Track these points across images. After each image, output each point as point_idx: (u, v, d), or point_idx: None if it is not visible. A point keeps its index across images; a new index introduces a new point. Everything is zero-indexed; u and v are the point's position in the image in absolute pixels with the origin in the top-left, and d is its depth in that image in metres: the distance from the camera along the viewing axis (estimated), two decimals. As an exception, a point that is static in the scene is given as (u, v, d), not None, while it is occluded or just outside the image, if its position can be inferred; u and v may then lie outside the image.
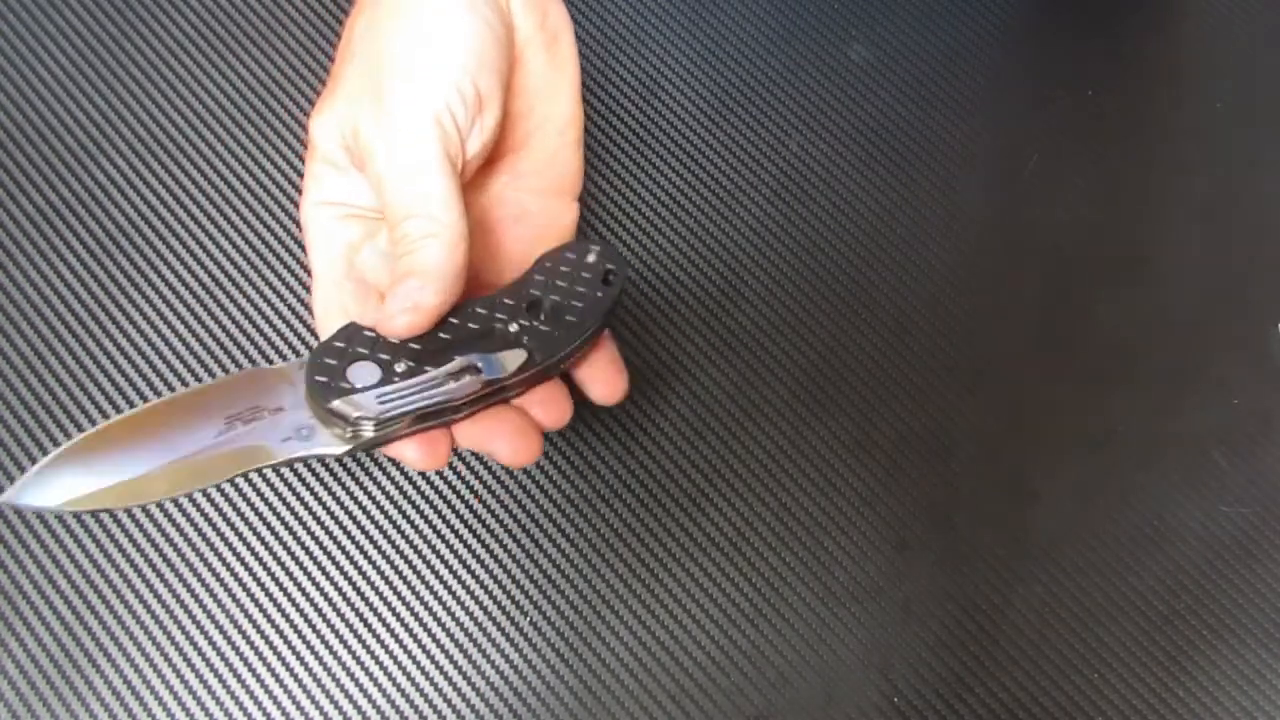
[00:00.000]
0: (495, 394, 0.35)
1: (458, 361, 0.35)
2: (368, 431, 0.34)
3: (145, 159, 0.48)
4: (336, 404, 0.33)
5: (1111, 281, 0.49)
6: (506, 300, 0.36)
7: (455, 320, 0.35)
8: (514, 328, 0.36)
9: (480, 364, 0.35)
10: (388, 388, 0.34)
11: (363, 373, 0.34)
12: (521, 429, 0.36)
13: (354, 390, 0.34)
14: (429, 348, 0.35)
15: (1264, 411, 0.47)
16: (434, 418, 0.35)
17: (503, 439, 0.36)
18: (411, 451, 0.35)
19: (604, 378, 0.38)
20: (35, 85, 0.49)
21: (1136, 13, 0.56)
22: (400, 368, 0.34)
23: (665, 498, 0.44)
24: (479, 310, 0.35)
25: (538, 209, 0.39)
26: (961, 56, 0.53)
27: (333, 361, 0.34)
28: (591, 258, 0.37)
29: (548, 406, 0.37)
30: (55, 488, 0.32)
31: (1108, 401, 0.47)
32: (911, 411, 0.46)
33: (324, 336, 0.35)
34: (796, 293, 0.48)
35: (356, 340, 0.34)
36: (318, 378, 0.34)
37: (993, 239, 0.50)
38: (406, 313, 0.33)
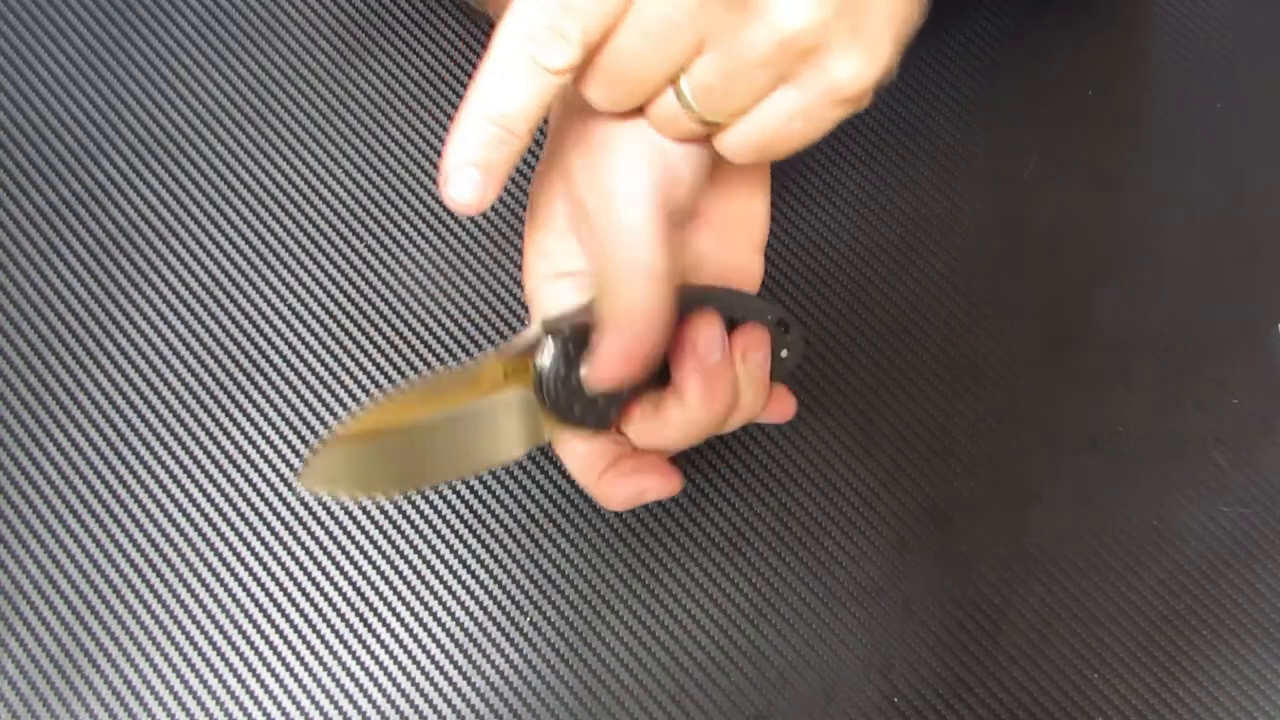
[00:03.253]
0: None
1: None
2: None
3: (145, 159, 0.48)
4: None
5: (1112, 282, 0.49)
6: None
7: None
8: None
9: None
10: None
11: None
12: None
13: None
14: None
15: (1264, 411, 0.47)
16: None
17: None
18: (651, 482, 0.35)
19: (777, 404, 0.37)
20: (35, 85, 0.49)
21: (1136, 13, 0.56)
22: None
23: (665, 498, 0.44)
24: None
25: (727, 260, 0.37)
26: (961, 56, 0.53)
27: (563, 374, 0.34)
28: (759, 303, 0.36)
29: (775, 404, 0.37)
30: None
31: (1108, 401, 0.47)
32: (911, 411, 0.46)
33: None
34: (797, 293, 0.48)
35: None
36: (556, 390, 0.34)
37: (993, 239, 0.50)
38: (613, 366, 0.32)
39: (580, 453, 0.35)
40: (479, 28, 0.52)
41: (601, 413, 0.34)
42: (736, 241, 0.37)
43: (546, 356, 0.33)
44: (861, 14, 0.30)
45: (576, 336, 0.33)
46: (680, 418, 0.35)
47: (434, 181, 0.49)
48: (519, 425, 0.34)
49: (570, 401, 0.34)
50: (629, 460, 0.35)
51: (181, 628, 0.41)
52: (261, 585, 0.42)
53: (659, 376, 0.34)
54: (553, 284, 0.35)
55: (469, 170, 0.30)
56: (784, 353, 0.37)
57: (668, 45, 0.29)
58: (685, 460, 0.45)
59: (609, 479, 0.35)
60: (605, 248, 0.32)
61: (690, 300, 0.34)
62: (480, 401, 0.34)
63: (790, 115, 0.31)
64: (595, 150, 0.32)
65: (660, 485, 0.35)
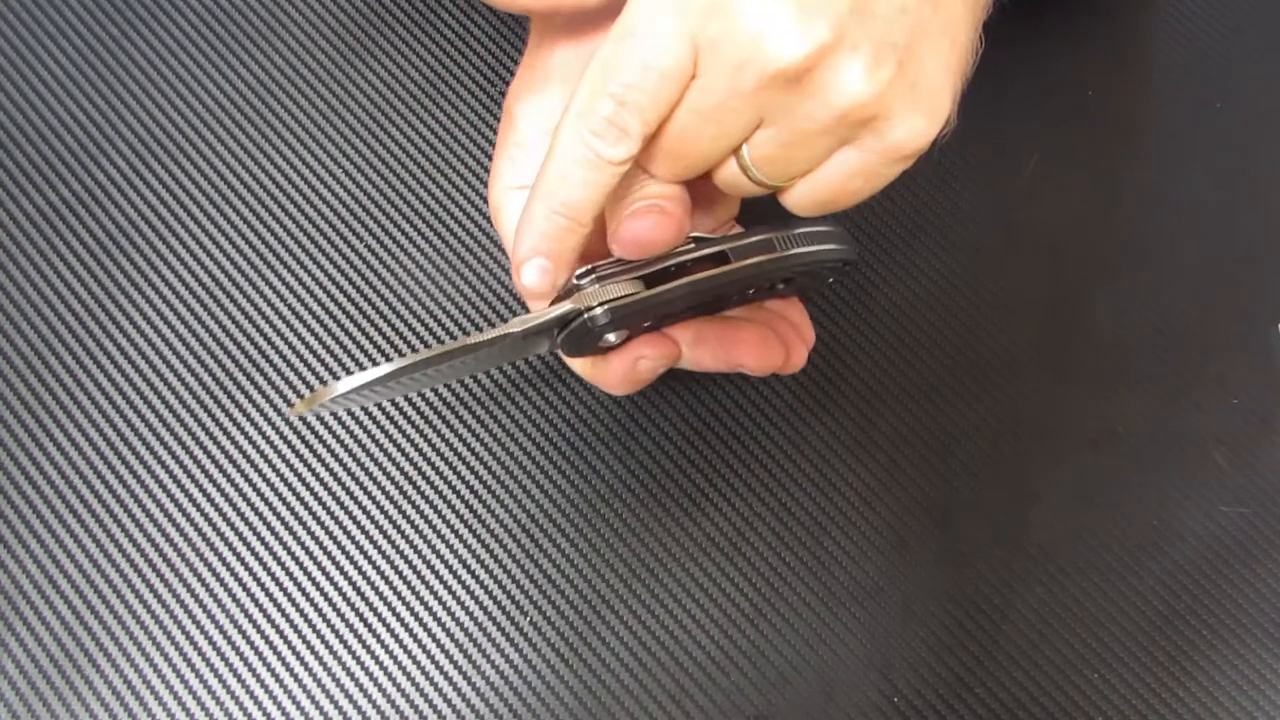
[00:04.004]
0: (723, 277, 0.34)
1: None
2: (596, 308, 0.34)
3: (145, 159, 0.48)
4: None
5: (1112, 282, 0.49)
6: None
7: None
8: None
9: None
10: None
11: (614, 335, 0.35)
12: (763, 337, 0.36)
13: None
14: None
15: (1264, 411, 0.47)
16: (662, 303, 0.34)
17: (745, 345, 0.36)
18: (647, 349, 0.36)
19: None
20: (35, 85, 0.49)
21: (1136, 13, 0.56)
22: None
23: (665, 498, 0.44)
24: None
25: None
26: (961, 56, 0.53)
27: (595, 323, 0.34)
28: (833, 246, 0.36)
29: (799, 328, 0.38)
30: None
31: (1108, 401, 0.47)
32: (911, 411, 0.46)
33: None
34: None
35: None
36: (581, 342, 0.35)
37: (993, 239, 0.50)
38: (653, 214, 0.32)
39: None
40: (478, 27, 0.52)
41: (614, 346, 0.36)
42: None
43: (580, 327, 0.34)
44: (919, 71, 0.30)
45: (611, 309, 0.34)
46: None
47: (434, 181, 0.49)
48: (523, 350, 0.36)
49: (588, 351, 0.36)
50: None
51: (181, 628, 0.41)
52: (261, 585, 0.42)
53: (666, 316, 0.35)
54: (519, 194, 0.36)
55: (539, 260, 0.32)
56: (830, 279, 0.38)
57: (725, 126, 0.30)
58: (685, 460, 0.45)
59: (601, 365, 0.36)
60: None
61: (770, 245, 0.35)
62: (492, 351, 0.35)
63: (850, 175, 0.32)
64: None
65: (656, 351, 0.36)
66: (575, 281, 0.34)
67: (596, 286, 0.33)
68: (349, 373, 0.45)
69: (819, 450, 0.45)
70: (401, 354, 0.46)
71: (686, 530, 0.44)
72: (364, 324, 0.46)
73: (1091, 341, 0.48)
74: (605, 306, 0.33)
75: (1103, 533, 0.45)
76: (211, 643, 0.41)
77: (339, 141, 0.49)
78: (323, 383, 0.45)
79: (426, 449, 0.44)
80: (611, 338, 0.35)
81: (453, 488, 0.44)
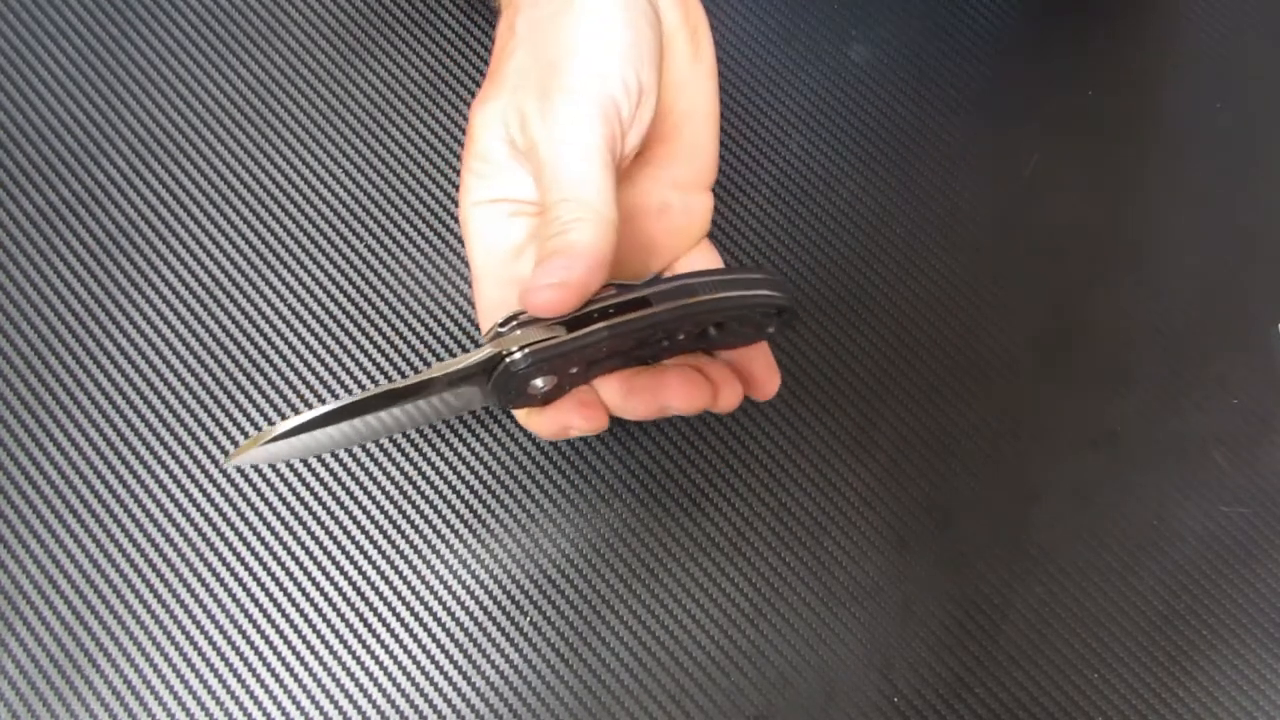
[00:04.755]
0: (642, 321, 0.35)
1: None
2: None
3: (145, 159, 0.48)
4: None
5: (1111, 282, 0.49)
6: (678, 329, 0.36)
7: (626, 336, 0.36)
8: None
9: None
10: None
11: (542, 381, 0.35)
12: (687, 378, 0.37)
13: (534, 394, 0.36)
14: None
15: (1264, 411, 0.47)
16: (580, 342, 0.35)
17: (670, 388, 0.37)
18: (576, 419, 0.37)
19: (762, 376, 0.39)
20: (35, 85, 0.49)
21: (1136, 13, 0.56)
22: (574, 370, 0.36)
23: (665, 498, 0.44)
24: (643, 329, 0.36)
25: (678, 202, 0.40)
26: (961, 56, 0.53)
27: (519, 369, 0.35)
28: (762, 293, 0.37)
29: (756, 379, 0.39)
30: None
31: (1107, 401, 0.47)
32: (911, 411, 0.46)
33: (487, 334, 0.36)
34: (797, 292, 0.48)
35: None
36: (503, 393, 0.35)
37: (993, 239, 0.50)
38: (552, 288, 0.33)
39: None
40: (478, 27, 0.52)
41: (546, 398, 0.37)
42: (685, 182, 0.40)
43: (503, 371, 0.35)
44: None
45: (529, 352, 0.34)
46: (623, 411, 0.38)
47: (434, 181, 0.49)
48: (458, 401, 0.37)
49: (518, 399, 0.36)
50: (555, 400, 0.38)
51: (181, 628, 0.41)
52: (261, 585, 0.42)
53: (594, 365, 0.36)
54: (486, 209, 0.37)
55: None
56: (771, 329, 0.38)
57: None
58: (685, 459, 0.45)
59: (535, 415, 0.38)
60: (556, 189, 0.34)
61: (692, 290, 0.35)
62: (423, 403, 0.36)
63: None
64: (552, 96, 0.34)
65: (584, 424, 0.37)
66: (498, 329, 0.35)
67: (518, 332, 0.34)
68: (348, 373, 0.45)
69: (819, 450, 0.45)
70: (401, 353, 0.46)
71: (686, 530, 0.44)
72: (364, 324, 0.46)
73: (1091, 341, 0.48)
74: (525, 350, 0.34)
75: (1103, 533, 0.45)
76: (211, 643, 0.41)
77: (339, 141, 0.49)
78: (322, 383, 0.45)
79: (426, 449, 0.44)
80: (539, 383, 0.35)
81: (453, 488, 0.44)
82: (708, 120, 0.39)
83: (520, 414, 0.38)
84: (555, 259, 0.33)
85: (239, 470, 0.43)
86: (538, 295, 0.33)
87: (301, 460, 0.44)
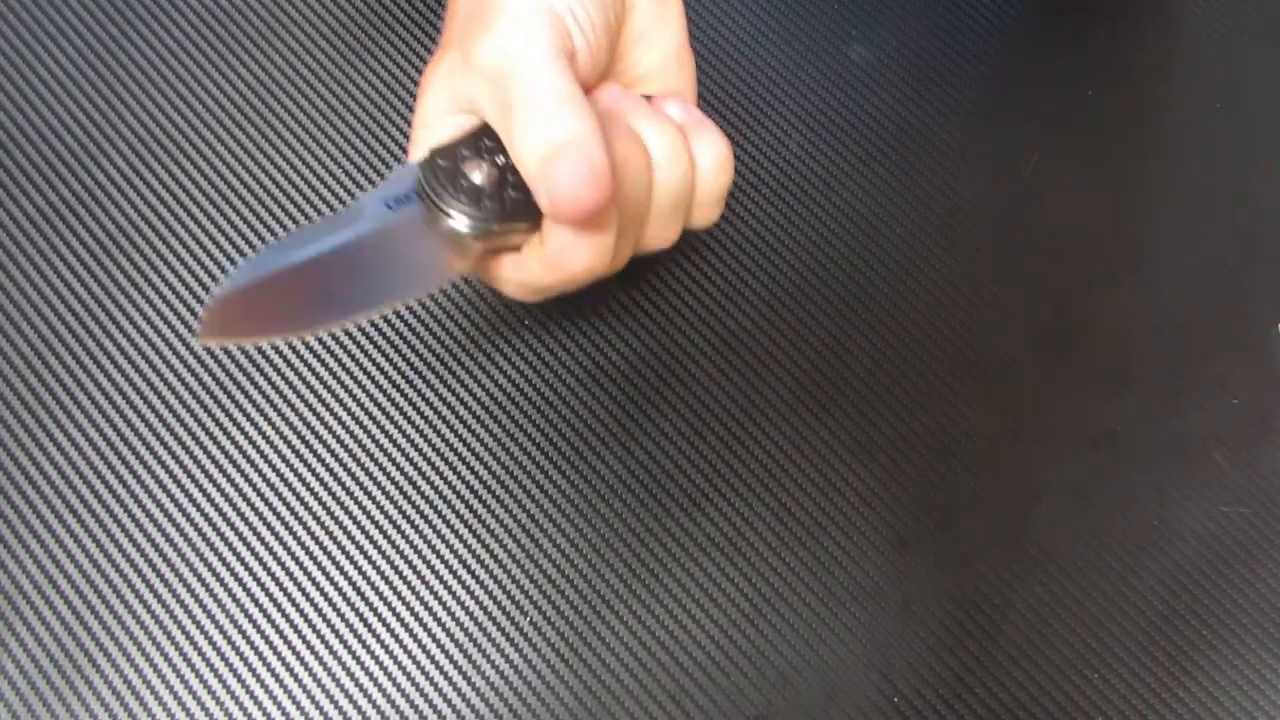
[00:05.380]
0: None
1: None
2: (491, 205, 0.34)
3: (145, 159, 0.48)
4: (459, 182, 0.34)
5: (1112, 282, 0.49)
6: None
7: None
8: None
9: None
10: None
11: (479, 174, 0.34)
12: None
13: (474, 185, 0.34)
14: None
15: (1264, 411, 0.47)
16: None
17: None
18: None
19: None
20: (35, 85, 0.49)
21: (1136, 13, 0.56)
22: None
23: (665, 498, 0.44)
24: None
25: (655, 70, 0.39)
26: (961, 56, 0.53)
27: (445, 163, 0.34)
28: None
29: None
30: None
31: (1107, 401, 0.47)
32: (911, 411, 0.46)
33: None
34: (796, 293, 0.48)
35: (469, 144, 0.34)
36: (437, 174, 0.34)
37: (993, 239, 0.50)
38: (580, 179, 0.31)
39: (511, 269, 0.36)
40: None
41: (491, 202, 0.34)
42: (655, 52, 0.39)
43: (431, 167, 0.34)
44: None
45: (465, 144, 0.33)
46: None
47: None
48: (423, 257, 0.34)
49: (455, 201, 0.34)
50: None
51: (181, 628, 0.41)
52: (261, 585, 0.42)
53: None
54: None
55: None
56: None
57: None
58: (685, 460, 0.45)
59: (516, 260, 0.36)
60: (523, 95, 0.33)
61: None
62: (372, 234, 0.34)
63: None
64: (493, 27, 0.33)
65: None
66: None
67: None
68: (348, 373, 0.45)
69: (819, 450, 0.45)
70: (401, 353, 0.46)
71: (686, 530, 0.44)
72: (363, 323, 0.46)
73: (1091, 341, 0.48)
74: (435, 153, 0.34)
75: (1103, 533, 0.45)
76: (211, 643, 0.41)
77: (339, 141, 0.49)
78: (322, 383, 0.45)
79: (426, 449, 0.44)
80: (476, 178, 0.34)
81: (453, 488, 0.44)
82: (672, 64, 0.39)
83: (507, 268, 0.36)
84: (564, 152, 0.31)
85: (239, 470, 0.43)
86: (568, 190, 0.31)
87: (300, 460, 0.44)
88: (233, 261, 0.47)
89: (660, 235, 0.38)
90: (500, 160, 0.34)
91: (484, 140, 0.34)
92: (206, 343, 0.33)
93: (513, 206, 0.34)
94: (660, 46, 0.39)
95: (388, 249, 0.34)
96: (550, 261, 0.35)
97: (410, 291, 0.35)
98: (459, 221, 0.34)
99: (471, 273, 0.37)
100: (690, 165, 0.37)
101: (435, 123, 0.36)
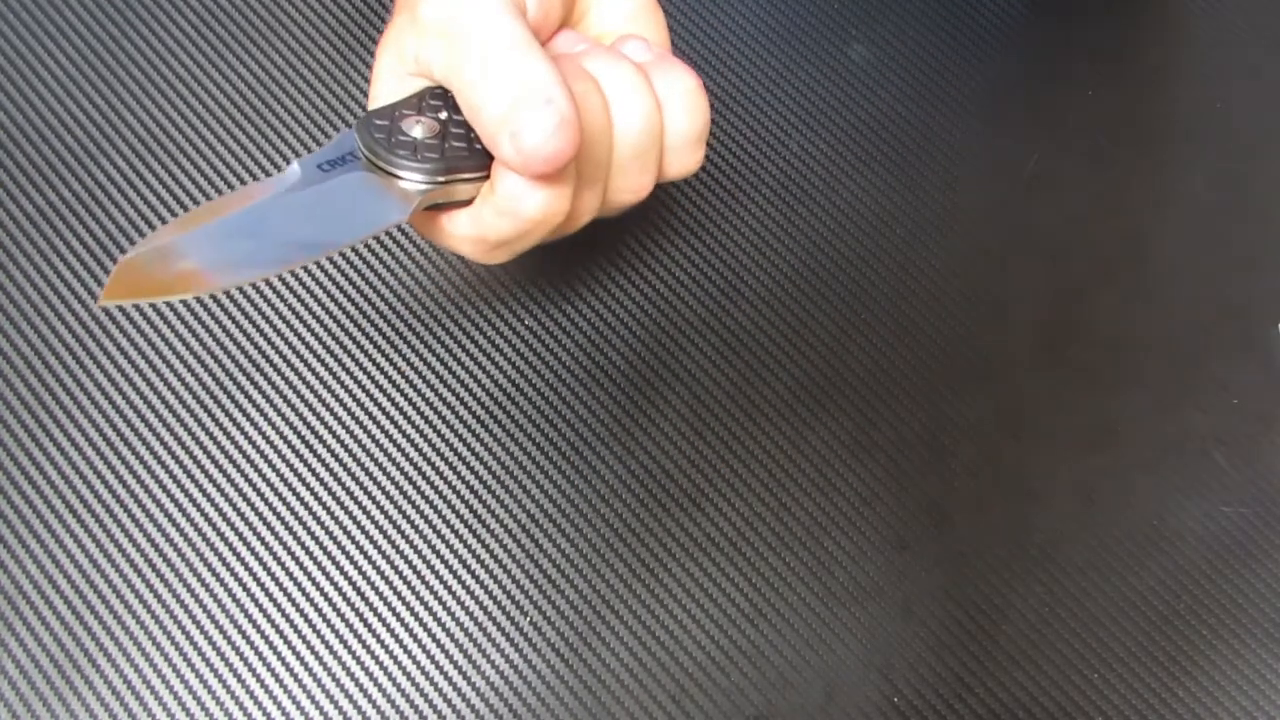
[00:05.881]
0: None
1: None
2: (433, 157, 0.33)
3: (145, 159, 0.48)
4: (398, 138, 0.33)
5: (1112, 282, 0.49)
6: None
7: None
8: None
9: None
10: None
11: (419, 128, 0.33)
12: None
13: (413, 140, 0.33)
14: None
15: (1264, 411, 0.47)
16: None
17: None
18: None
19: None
20: (35, 85, 0.49)
21: (1136, 13, 0.56)
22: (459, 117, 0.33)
23: (665, 498, 0.44)
24: None
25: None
26: (961, 56, 0.53)
27: (383, 121, 0.33)
28: None
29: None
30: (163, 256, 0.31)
31: (1108, 401, 0.47)
32: (911, 411, 0.46)
33: None
34: (796, 293, 0.48)
35: (402, 104, 0.33)
36: (373, 131, 0.33)
37: (993, 239, 0.50)
38: (549, 129, 0.30)
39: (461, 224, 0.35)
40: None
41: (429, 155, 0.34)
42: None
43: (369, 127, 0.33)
44: None
45: (404, 105, 0.33)
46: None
47: (434, 181, 0.49)
48: (359, 211, 0.33)
49: (395, 158, 0.33)
50: None
51: (181, 628, 0.41)
52: (261, 585, 0.42)
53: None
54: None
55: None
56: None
57: None
58: (685, 459, 0.45)
59: (464, 214, 0.35)
60: (472, 58, 0.32)
61: None
62: (303, 191, 0.33)
63: None
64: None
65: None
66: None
67: None
68: (348, 373, 0.45)
69: (819, 450, 0.45)
70: (401, 352, 0.46)
71: (686, 530, 0.44)
72: (363, 323, 0.46)
73: (1091, 341, 0.48)
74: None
75: (1103, 532, 0.45)
76: (211, 643, 0.41)
77: (339, 141, 0.49)
78: (322, 383, 0.45)
79: (426, 449, 0.44)
80: (416, 131, 0.33)
81: (453, 488, 0.44)
82: (649, 18, 0.38)
83: (462, 223, 0.35)
84: (530, 100, 0.31)
85: (239, 470, 0.43)
86: (536, 140, 0.31)
87: (300, 460, 0.44)
88: (233, 261, 0.47)
89: (628, 187, 0.36)
90: (442, 115, 0.33)
91: (426, 101, 0.34)
92: (111, 301, 0.30)
93: (454, 155, 0.33)
94: (624, 2, 0.37)
95: (321, 205, 0.33)
96: (503, 208, 0.33)
97: (340, 241, 0.34)
98: (401, 173, 0.33)
99: (425, 237, 0.36)
100: (654, 105, 0.35)
101: (387, 91, 0.35)
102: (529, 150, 0.31)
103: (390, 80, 0.35)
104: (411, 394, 0.45)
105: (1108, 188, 0.51)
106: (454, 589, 0.42)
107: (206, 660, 0.41)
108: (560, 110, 0.31)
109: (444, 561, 0.43)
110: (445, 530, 0.43)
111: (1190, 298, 0.49)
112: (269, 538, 0.43)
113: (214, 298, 0.46)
